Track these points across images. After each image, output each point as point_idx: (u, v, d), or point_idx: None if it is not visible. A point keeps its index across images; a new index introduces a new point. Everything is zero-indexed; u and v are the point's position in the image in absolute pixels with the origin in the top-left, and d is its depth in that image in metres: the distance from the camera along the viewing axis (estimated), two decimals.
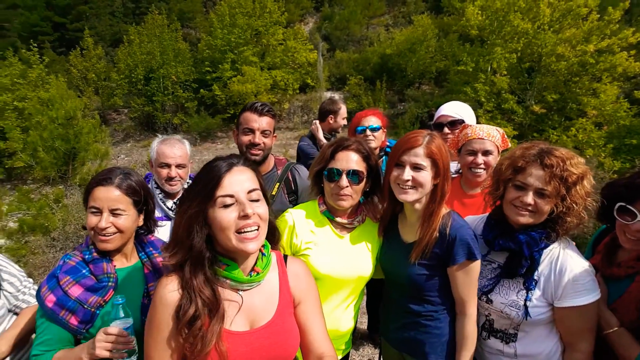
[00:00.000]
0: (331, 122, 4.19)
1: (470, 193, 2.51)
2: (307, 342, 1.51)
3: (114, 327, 1.54)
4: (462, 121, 2.90)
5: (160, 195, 2.72)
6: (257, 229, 1.36)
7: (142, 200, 1.87)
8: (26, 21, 28.22)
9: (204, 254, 1.34)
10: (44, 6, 28.73)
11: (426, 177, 1.82)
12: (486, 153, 2.38)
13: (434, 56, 20.86)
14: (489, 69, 15.83)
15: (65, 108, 9.29)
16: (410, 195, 1.83)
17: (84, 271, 1.73)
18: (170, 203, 2.73)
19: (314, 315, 1.55)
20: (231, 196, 1.34)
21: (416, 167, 1.82)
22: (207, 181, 1.36)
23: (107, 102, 21.50)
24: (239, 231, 1.33)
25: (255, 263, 1.46)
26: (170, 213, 2.70)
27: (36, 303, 1.80)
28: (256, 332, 1.40)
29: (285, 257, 1.63)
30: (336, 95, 21.71)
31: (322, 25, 28.21)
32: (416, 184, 1.82)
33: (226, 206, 1.33)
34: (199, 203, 1.35)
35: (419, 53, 20.71)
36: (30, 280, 2.23)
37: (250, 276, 1.42)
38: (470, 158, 2.41)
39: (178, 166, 2.66)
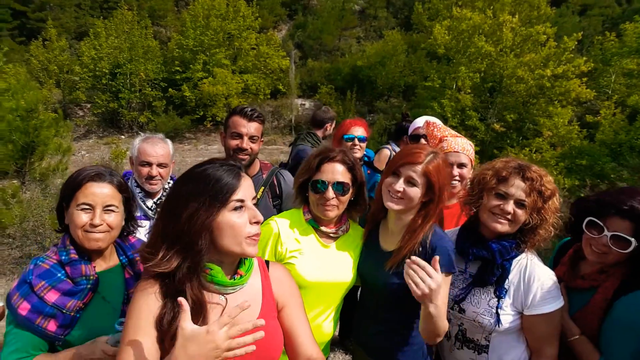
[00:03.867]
0: (329, 129, 4.30)
1: (447, 204, 2.57)
2: (294, 346, 1.51)
3: (113, 348, 1.53)
4: None
5: (140, 194, 2.67)
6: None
7: (131, 198, 1.84)
8: None
9: (204, 259, 1.35)
10: None
11: (416, 193, 1.84)
12: (461, 166, 2.51)
13: (402, 70, 21.54)
14: (454, 87, 16.52)
15: (26, 99, 8.81)
16: (396, 205, 1.87)
17: (59, 274, 1.64)
18: (150, 202, 2.69)
19: (299, 319, 1.55)
20: (242, 201, 1.36)
21: (410, 182, 1.85)
22: (219, 187, 1.34)
23: (69, 95, 20.65)
24: (248, 236, 1.36)
25: (238, 267, 1.48)
26: (150, 212, 2.66)
27: None
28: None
29: (267, 262, 1.65)
30: (307, 103, 21.93)
31: (295, 33, 28.43)
32: (404, 197, 1.85)
33: (237, 209, 1.35)
34: (214, 208, 1.32)
35: (388, 67, 21.30)
36: None
37: (234, 279, 1.44)
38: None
39: (159, 165, 2.63)
